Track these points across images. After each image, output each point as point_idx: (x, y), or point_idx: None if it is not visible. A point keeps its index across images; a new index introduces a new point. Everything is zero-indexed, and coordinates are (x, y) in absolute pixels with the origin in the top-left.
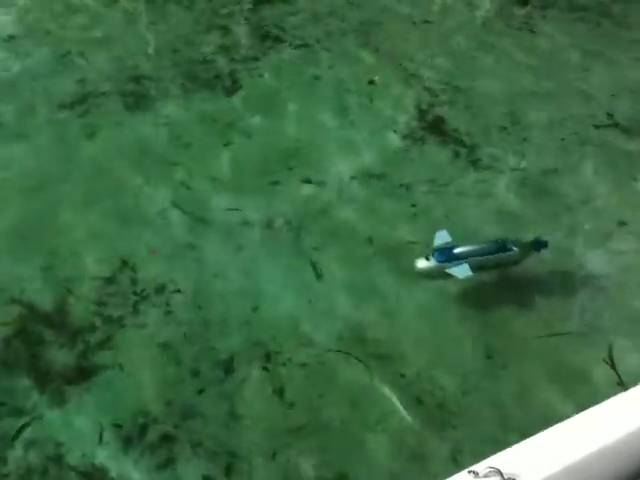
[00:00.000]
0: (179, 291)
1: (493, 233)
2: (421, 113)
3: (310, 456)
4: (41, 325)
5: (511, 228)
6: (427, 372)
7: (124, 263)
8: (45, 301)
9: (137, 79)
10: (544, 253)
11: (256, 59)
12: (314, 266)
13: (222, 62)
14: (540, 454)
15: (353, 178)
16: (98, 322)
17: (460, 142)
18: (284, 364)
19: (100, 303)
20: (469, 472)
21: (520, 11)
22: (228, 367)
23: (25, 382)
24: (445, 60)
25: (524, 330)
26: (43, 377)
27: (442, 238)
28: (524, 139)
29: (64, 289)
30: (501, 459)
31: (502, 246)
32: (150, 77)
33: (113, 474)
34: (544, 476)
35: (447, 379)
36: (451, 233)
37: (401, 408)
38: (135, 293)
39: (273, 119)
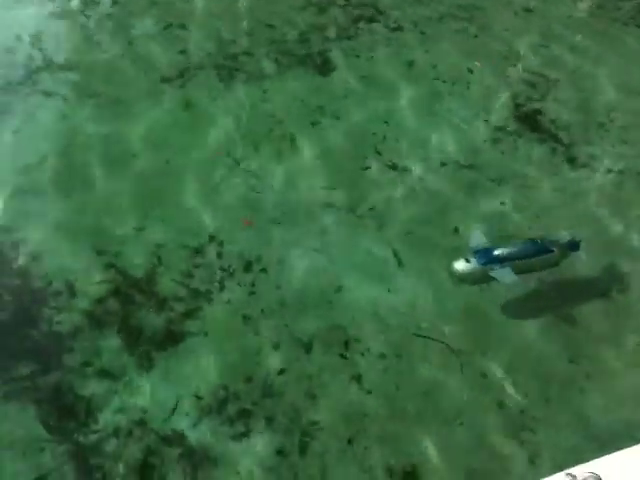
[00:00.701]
0: (264, 270)
1: (583, 236)
2: (516, 105)
3: (384, 446)
4: (133, 290)
5: (600, 231)
6: (510, 374)
7: (212, 237)
8: (137, 267)
9: (233, 54)
10: (578, 254)
11: (350, 39)
12: (396, 254)
13: (316, 41)
14: None
15: (442, 166)
16: (184, 293)
17: (556, 138)
18: (362, 354)
19: (188, 275)
20: (567, 475)
21: (626, 4)
22: (308, 348)
23: (116, 343)
24: (546, 51)
25: (605, 337)
26: (134, 340)
27: (478, 239)
28: (624, 140)
29: (156, 256)
30: (601, 465)
31: (542, 247)
32: (246, 52)
33: (192, 441)
34: None
35: (530, 384)
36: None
37: (481, 406)
38: (222, 268)
39: (363, 102)
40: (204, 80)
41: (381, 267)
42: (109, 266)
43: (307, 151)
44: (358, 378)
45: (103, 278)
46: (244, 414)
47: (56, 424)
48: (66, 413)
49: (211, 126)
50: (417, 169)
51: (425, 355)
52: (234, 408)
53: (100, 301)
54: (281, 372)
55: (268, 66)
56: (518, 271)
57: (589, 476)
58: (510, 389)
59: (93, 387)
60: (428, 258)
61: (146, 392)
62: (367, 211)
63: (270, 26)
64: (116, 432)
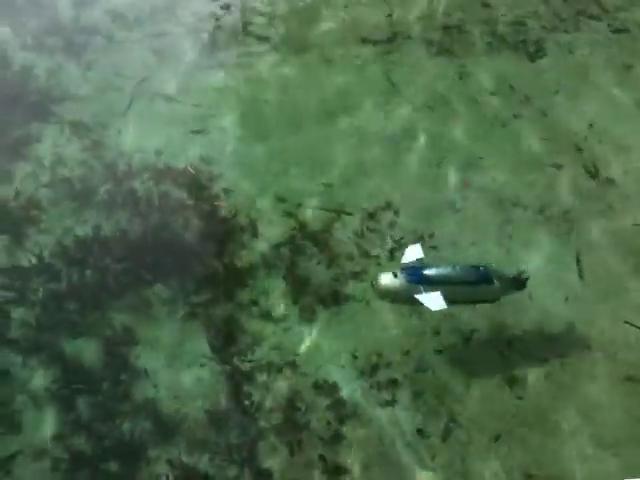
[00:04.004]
0: (434, 247)
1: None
2: None
3: (529, 452)
4: (307, 241)
5: None
6: None
7: (388, 204)
8: (316, 220)
9: (445, 28)
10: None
11: (567, 32)
12: (579, 263)
13: (532, 27)
14: None
15: None
16: (355, 253)
17: None
18: (522, 354)
19: (360, 236)
20: None
21: None
22: (467, 338)
23: (281, 286)
24: None
25: None
26: (299, 289)
27: (414, 254)
28: None
29: (334, 213)
30: None
31: (481, 275)
32: (459, 28)
33: (343, 395)
34: None
35: None
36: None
37: None
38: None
39: (573, 98)
40: (409, 49)
41: (562, 273)
42: (289, 214)
43: (500, 144)
44: (513, 380)
45: (283, 225)
46: (393, 383)
47: (219, 347)
48: (229, 341)
49: (406, 99)
50: (619, 180)
51: (592, 372)
52: (385, 375)
53: (276, 246)
54: (438, 353)
55: (478, 45)
56: (451, 299)
57: None
58: None
59: (256, 324)
60: (610, 279)
61: (303, 339)
62: (560, 214)
63: (486, 5)
64: (269, 367)
